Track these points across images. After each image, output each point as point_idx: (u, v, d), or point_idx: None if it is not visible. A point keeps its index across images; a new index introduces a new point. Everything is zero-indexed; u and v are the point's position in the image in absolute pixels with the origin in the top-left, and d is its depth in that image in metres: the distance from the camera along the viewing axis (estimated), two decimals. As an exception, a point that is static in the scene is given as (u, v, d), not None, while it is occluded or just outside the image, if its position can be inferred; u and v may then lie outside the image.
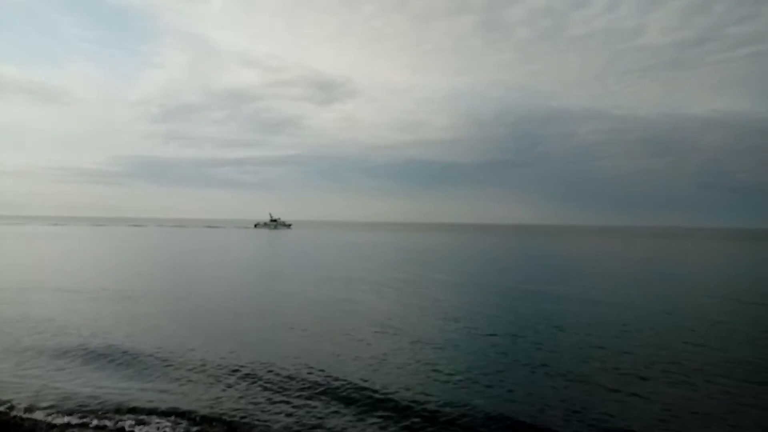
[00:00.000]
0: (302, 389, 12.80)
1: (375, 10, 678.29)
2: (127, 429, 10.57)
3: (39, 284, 31.43)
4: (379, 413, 11.38)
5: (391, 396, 12.28)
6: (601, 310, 23.97)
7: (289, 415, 11.29)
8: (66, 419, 11.01)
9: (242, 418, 11.14)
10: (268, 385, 13.06)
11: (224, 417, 11.14)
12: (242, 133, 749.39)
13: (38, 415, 11.23)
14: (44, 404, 11.87)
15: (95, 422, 10.89)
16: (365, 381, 13.39)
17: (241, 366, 14.63)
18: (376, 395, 12.35)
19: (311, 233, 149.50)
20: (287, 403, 11.95)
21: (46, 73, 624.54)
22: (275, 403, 11.96)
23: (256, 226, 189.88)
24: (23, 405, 11.78)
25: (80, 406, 11.82)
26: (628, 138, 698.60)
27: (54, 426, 10.63)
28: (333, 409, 11.62)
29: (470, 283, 34.35)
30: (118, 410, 11.51)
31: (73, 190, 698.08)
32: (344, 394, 12.51)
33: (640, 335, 18.96)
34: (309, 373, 14.05)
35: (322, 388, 12.83)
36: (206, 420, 11.01)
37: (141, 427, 10.66)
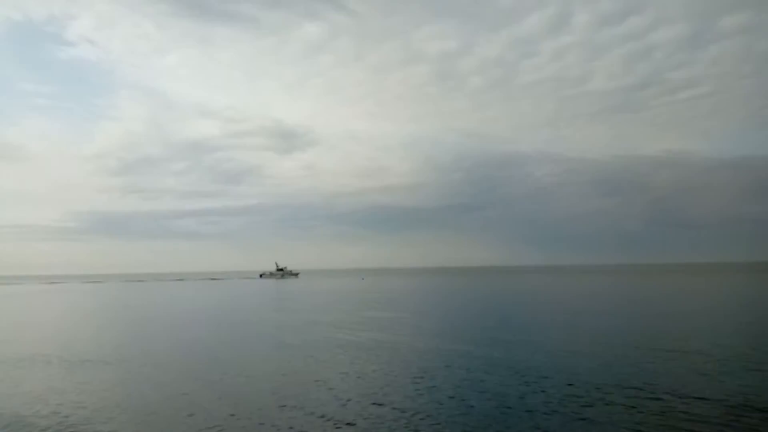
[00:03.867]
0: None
1: (333, 61, 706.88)
2: None
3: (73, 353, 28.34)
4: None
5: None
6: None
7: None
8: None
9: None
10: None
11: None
12: (202, 184, 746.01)
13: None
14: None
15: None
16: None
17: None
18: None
19: (319, 282, 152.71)
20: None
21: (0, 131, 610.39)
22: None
23: (261, 276, 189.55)
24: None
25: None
26: (582, 179, 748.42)
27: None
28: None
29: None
30: None
31: (27, 247, 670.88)
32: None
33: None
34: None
35: None
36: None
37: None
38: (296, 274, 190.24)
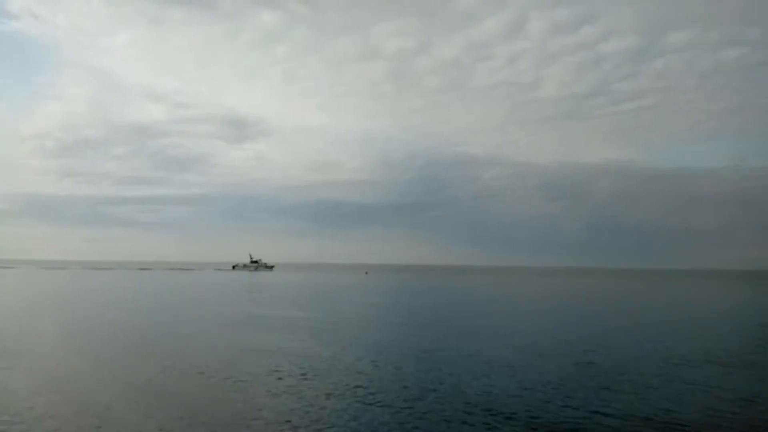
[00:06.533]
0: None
1: (289, 52, 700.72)
2: None
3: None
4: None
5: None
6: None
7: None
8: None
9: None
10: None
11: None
12: (145, 171, 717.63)
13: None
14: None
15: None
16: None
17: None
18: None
19: (295, 276, 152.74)
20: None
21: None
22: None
23: (234, 267, 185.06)
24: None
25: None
26: (528, 183, 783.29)
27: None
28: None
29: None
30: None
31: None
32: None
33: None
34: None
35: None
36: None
37: None
38: (271, 267, 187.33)
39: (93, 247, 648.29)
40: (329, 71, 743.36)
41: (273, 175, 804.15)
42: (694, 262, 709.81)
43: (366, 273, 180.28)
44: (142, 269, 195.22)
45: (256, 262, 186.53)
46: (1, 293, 68.96)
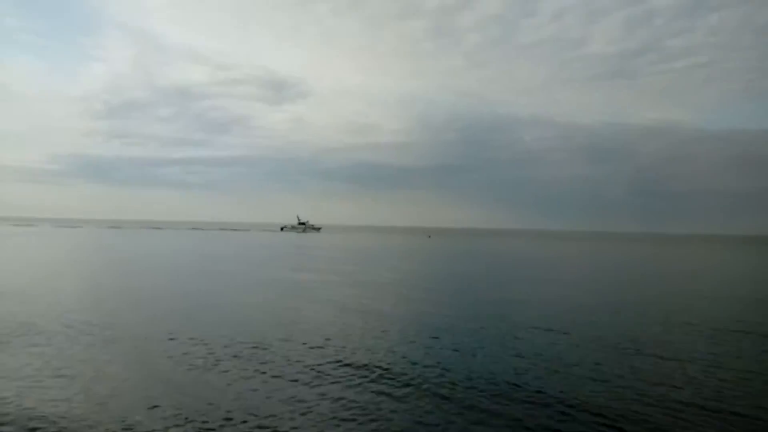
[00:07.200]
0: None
1: (328, 10, 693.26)
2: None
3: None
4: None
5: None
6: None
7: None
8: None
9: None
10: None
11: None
12: (189, 132, 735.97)
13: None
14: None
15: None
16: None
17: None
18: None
19: (344, 237, 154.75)
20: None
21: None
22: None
23: (282, 229, 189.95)
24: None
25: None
26: (572, 145, 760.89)
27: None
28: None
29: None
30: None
31: (4, 188, 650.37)
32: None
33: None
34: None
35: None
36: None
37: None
38: (318, 229, 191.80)
39: (143, 207, 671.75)
40: (369, 30, 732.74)
41: (312, 138, 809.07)
42: (746, 227, 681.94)
43: (429, 236, 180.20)
44: (193, 229, 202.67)
45: (303, 223, 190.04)
46: (88, 252, 71.86)
